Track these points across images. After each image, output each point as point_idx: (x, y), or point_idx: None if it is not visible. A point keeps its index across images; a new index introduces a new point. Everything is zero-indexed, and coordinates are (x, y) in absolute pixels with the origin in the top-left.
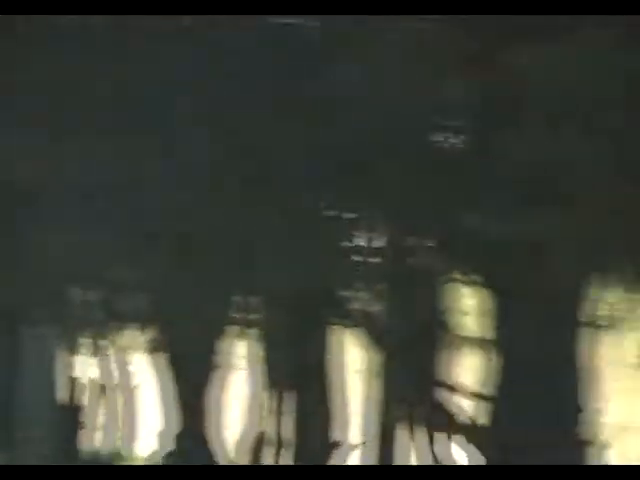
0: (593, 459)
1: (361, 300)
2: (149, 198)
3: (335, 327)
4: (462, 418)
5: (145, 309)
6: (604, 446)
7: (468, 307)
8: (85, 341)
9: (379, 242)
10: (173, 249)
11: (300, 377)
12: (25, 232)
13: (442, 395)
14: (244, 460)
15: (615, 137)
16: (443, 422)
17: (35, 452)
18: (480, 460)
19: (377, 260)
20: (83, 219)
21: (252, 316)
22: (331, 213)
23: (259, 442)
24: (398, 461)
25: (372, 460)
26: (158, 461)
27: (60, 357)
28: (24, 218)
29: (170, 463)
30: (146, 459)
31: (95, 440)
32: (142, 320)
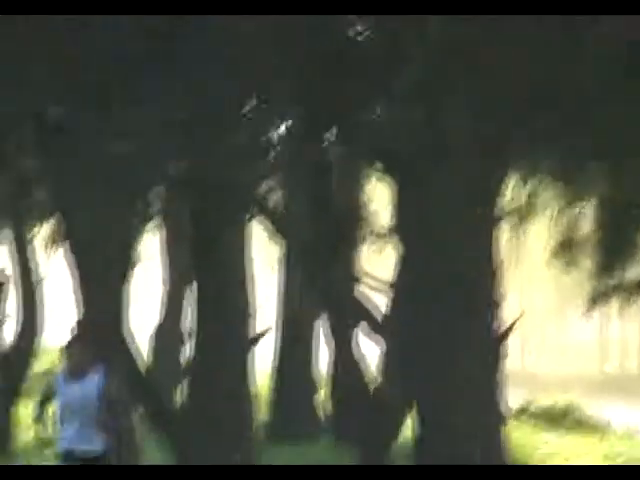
0: (503, 349)
1: (268, 191)
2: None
3: (243, 219)
4: (370, 308)
5: (50, 200)
6: (510, 335)
7: (375, 197)
8: None
9: (285, 132)
10: (79, 139)
11: (207, 269)
12: None
13: (351, 285)
14: (152, 351)
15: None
16: (351, 312)
17: None
18: (382, 346)
19: (284, 150)
20: None
21: (159, 208)
22: (237, 103)
23: (169, 334)
24: (308, 349)
25: (284, 348)
26: (62, 354)
27: None
28: None
29: (66, 358)
30: (53, 351)
31: (4, 333)
32: (47, 211)
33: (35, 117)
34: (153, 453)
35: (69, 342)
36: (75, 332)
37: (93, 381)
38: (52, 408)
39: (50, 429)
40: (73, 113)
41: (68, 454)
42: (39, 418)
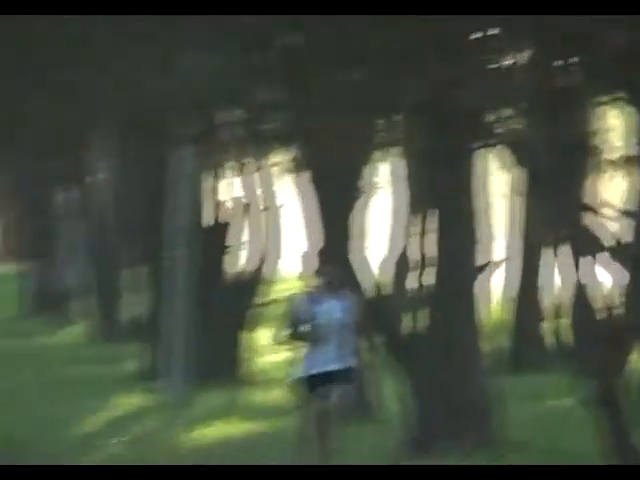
0: None
1: (506, 121)
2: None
3: (480, 148)
4: (606, 238)
5: (289, 128)
6: None
7: (612, 125)
8: (229, 161)
9: (523, 61)
10: (315, 68)
11: (444, 197)
12: (166, 56)
13: (586, 215)
14: (388, 281)
15: None
16: (588, 242)
17: (182, 279)
18: (624, 277)
19: (522, 79)
20: (228, 40)
21: (395, 135)
22: (475, 33)
23: (403, 262)
24: (541, 280)
25: (516, 278)
26: (299, 281)
27: (205, 178)
28: (166, 41)
29: (310, 283)
30: (289, 279)
31: (239, 261)
32: (286, 140)
33: (275, 44)
34: (388, 380)
35: (314, 269)
36: (311, 260)
37: (338, 306)
38: (295, 332)
39: (291, 352)
40: (312, 39)
41: (311, 377)
42: (281, 341)
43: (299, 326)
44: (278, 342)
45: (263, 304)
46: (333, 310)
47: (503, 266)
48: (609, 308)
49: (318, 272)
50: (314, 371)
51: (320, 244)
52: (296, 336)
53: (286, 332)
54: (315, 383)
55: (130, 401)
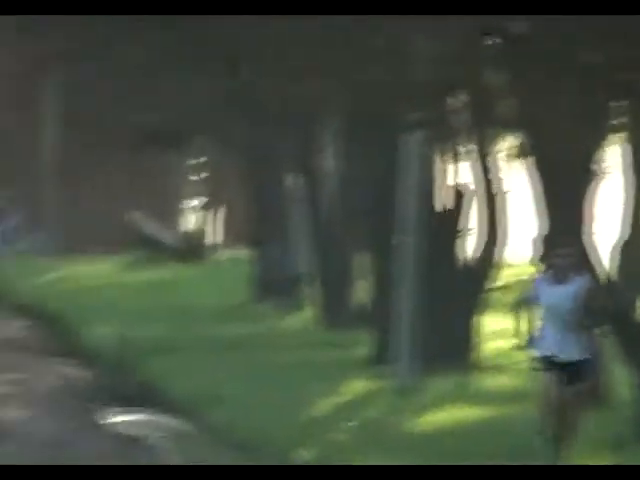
0: None
1: None
2: None
3: None
4: None
5: (516, 112)
6: None
7: None
8: (458, 147)
9: None
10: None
11: None
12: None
13: None
14: (617, 267)
15: None
16: None
17: (410, 264)
18: None
19: None
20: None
21: (623, 120)
22: None
23: (632, 246)
24: None
25: None
26: (528, 267)
27: (435, 163)
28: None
29: (543, 267)
30: (517, 265)
31: (467, 246)
32: (514, 126)
33: (500, 29)
34: (617, 366)
35: (549, 253)
36: (540, 246)
37: (574, 286)
38: (529, 313)
39: (526, 334)
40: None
41: (548, 360)
42: (515, 312)
43: (530, 305)
44: (512, 311)
45: (492, 289)
46: (564, 295)
47: None
48: None
49: (554, 254)
50: (546, 355)
51: (548, 230)
52: (524, 314)
53: (517, 307)
54: (552, 365)
55: (359, 386)
